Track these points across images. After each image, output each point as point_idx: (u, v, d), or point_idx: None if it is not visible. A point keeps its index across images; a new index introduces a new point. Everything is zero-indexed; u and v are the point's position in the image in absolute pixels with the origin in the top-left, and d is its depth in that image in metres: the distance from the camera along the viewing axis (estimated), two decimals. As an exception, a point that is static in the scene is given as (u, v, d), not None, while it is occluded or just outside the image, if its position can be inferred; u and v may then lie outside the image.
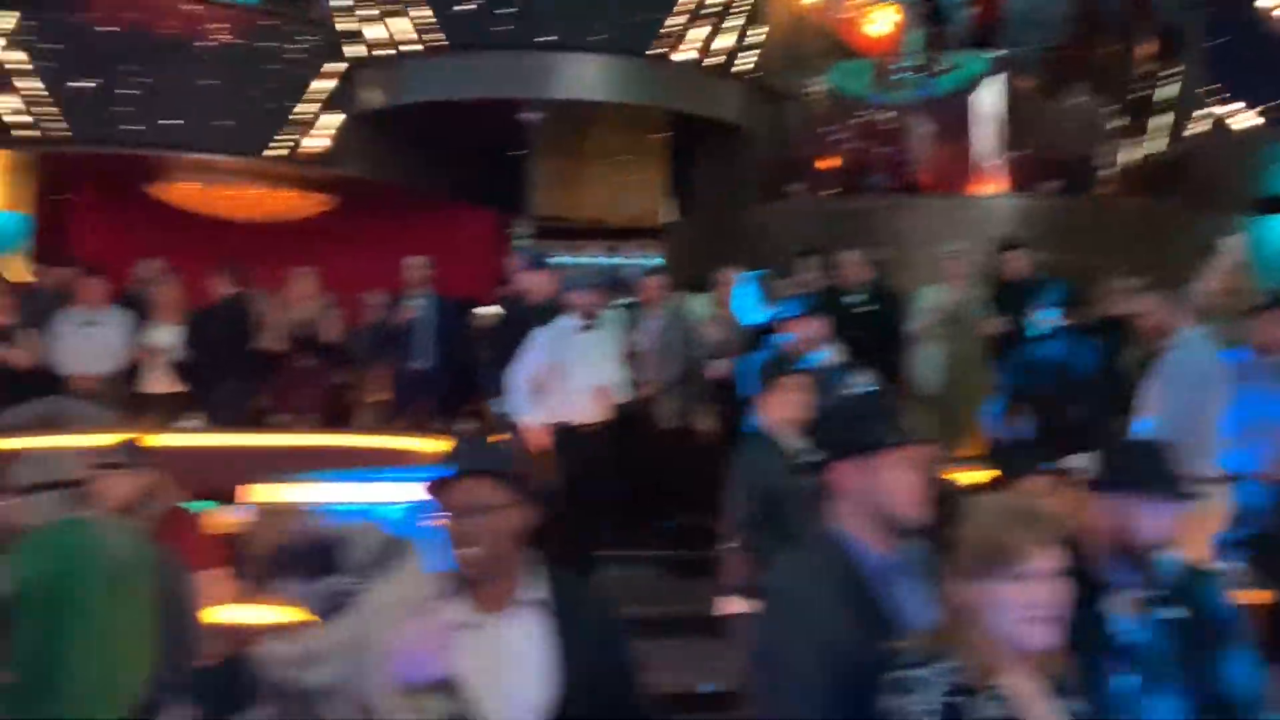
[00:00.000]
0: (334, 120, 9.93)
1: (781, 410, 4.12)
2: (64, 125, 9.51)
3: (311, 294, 8.31)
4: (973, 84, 9.72)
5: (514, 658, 2.15)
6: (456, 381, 8.13)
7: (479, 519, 2.15)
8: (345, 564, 1.78)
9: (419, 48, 9.17)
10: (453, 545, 2.14)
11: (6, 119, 9.59)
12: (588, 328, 6.41)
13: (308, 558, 1.80)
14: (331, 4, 9.77)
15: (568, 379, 6.25)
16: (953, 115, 9.71)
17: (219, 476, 5.44)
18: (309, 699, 1.76)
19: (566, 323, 6.41)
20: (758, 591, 3.99)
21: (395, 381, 8.23)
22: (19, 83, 9.55)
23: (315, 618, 1.79)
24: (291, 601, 1.80)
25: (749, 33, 9.63)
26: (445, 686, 1.86)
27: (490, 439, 3.98)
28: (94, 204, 11.32)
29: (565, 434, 6.12)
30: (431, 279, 8.11)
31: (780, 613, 2.23)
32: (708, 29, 9.29)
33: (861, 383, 4.82)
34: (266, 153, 9.76)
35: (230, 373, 7.85)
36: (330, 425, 7.93)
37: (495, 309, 8.80)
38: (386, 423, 8.08)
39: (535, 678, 2.16)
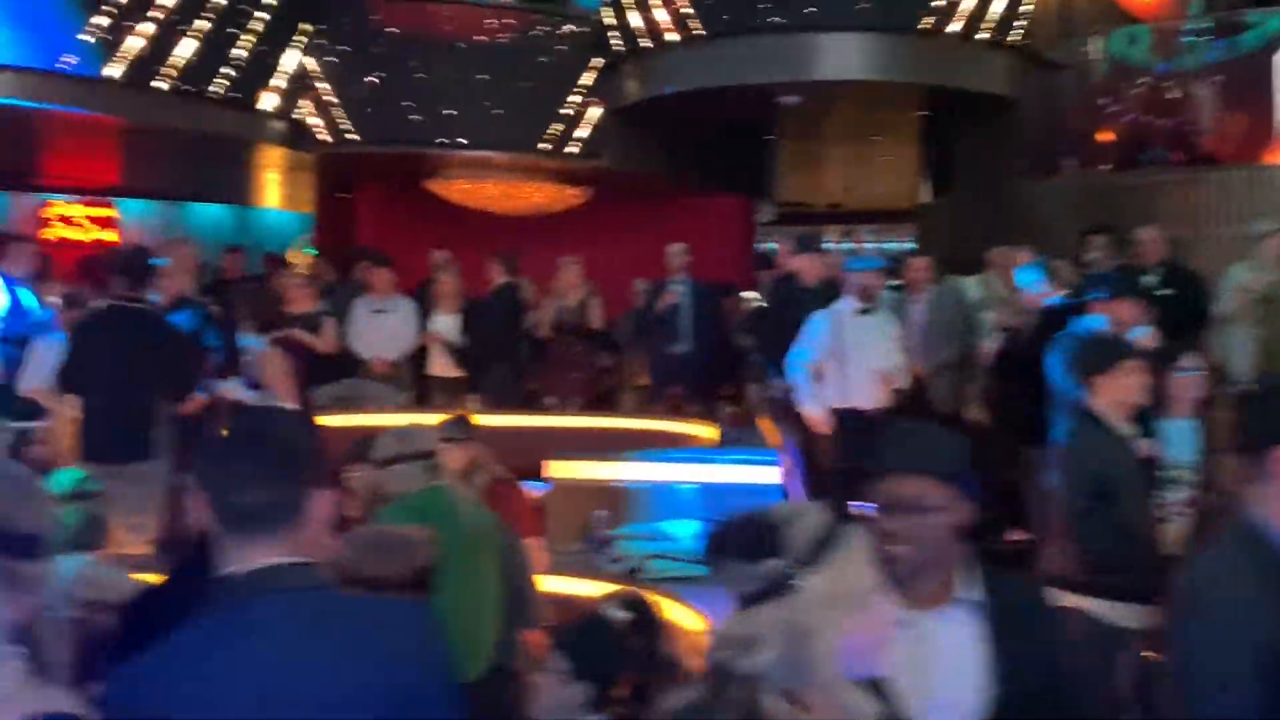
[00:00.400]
0: (596, 113, 10.16)
1: (1116, 394, 3.86)
2: (351, 126, 10.17)
3: (576, 282, 8.56)
4: (1272, 43, 8.87)
5: (944, 660, 2.01)
6: (714, 365, 8.18)
7: (911, 518, 1.97)
8: (786, 548, 1.75)
9: (678, 37, 9.21)
10: (881, 542, 1.97)
11: (304, 123, 10.35)
12: (866, 310, 6.26)
13: (749, 539, 1.77)
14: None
15: (847, 363, 6.13)
16: (1248, 78, 8.89)
17: (507, 454, 5.68)
18: (744, 682, 1.73)
19: (844, 305, 6.28)
20: (1088, 585, 3.82)
21: (653, 366, 8.36)
22: (310, 87, 10.29)
23: (752, 601, 1.76)
24: (730, 583, 1.79)
25: (1020, 1, 9.14)
26: (876, 684, 1.79)
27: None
28: (374, 200, 12.08)
29: (848, 419, 6.01)
30: (688, 265, 8.18)
31: (1207, 614, 2.06)
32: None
33: (1189, 366, 4.48)
34: (539, 147, 10.09)
35: (502, 358, 8.21)
36: (594, 408, 8.15)
37: (754, 293, 8.78)
38: (648, 406, 8.23)
39: (967, 683, 2.01)
